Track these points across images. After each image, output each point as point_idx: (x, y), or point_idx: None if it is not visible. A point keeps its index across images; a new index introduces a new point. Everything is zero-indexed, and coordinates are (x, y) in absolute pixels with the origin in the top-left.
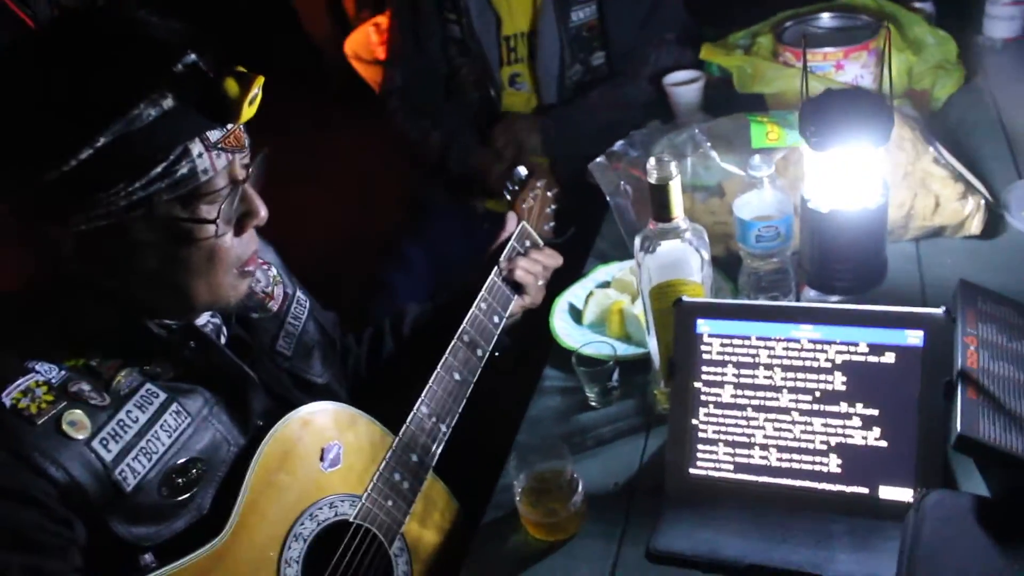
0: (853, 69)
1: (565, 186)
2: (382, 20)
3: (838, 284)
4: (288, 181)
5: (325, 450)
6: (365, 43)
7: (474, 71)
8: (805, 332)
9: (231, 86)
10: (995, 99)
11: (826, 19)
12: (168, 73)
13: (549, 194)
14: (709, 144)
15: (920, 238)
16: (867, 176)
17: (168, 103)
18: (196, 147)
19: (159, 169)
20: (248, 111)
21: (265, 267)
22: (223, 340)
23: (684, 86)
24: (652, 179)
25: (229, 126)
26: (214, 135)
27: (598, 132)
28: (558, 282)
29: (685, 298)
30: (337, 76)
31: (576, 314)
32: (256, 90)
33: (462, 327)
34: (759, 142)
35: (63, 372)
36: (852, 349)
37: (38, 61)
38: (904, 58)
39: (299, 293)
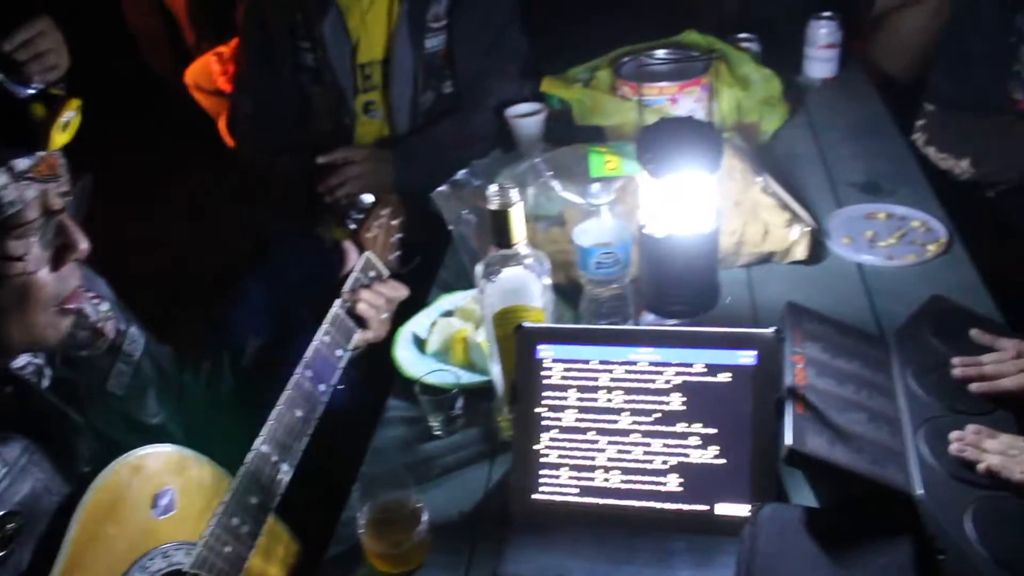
0: (687, 103)
1: (410, 216)
2: (224, 50)
3: (674, 308)
4: (123, 212)
5: (157, 496)
6: (206, 72)
7: (327, 99)
8: (644, 355)
9: (38, 109)
10: (816, 133)
11: (661, 55)
12: None
13: (394, 223)
14: (550, 174)
15: (751, 264)
16: (700, 203)
17: None
18: (1, 177)
19: None
20: (60, 137)
21: (95, 301)
22: (45, 382)
23: (526, 118)
24: (493, 205)
25: (40, 153)
26: (22, 163)
27: (446, 164)
28: (402, 312)
29: (526, 324)
30: (177, 105)
31: (420, 343)
32: (69, 114)
33: (304, 360)
34: (598, 171)
35: None
36: (689, 370)
37: None
38: (733, 93)
39: (133, 328)
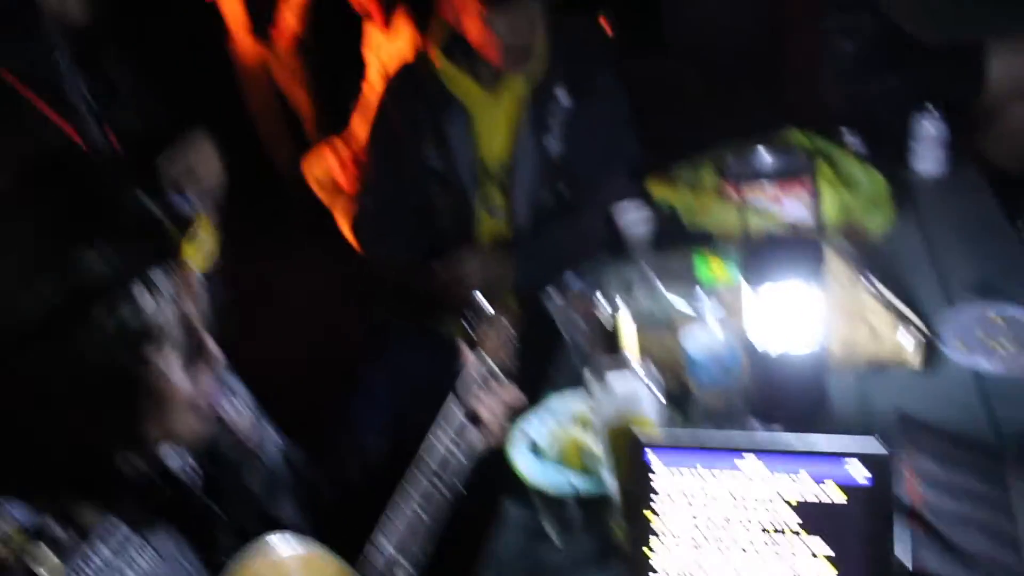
0: (792, 205)
1: (524, 317)
2: (341, 146)
3: (783, 418)
4: (246, 304)
5: None
6: (323, 165)
7: (450, 200)
8: (753, 464)
9: (173, 231)
10: (925, 232)
11: (765, 156)
12: (113, 220)
13: (509, 326)
14: (657, 279)
15: (860, 370)
16: (806, 315)
17: (110, 249)
18: (140, 290)
19: (102, 313)
20: (193, 253)
21: (230, 400)
22: (190, 477)
23: (633, 221)
24: (601, 317)
25: (176, 266)
26: (160, 278)
27: (562, 264)
28: (518, 413)
29: (636, 431)
30: (296, 198)
31: (535, 447)
32: (201, 233)
33: (423, 461)
34: (704, 277)
35: (33, 514)
36: (799, 483)
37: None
38: (838, 193)
39: (267, 427)
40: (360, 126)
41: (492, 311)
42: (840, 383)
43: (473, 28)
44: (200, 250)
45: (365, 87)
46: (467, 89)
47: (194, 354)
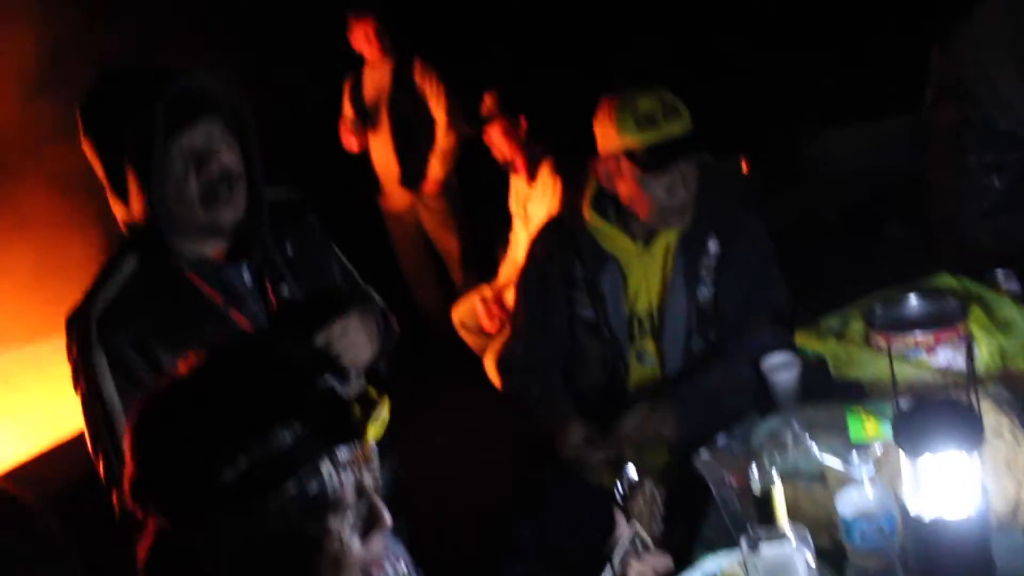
0: (945, 353)
1: (675, 475)
2: (488, 292)
3: None
4: (402, 456)
5: None
6: (472, 312)
7: (601, 351)
8: None
9: (356, 410)
10: None
11: (914, 303)
12: (301, 401)
13: (657, 493)
14: (808, 435)
15: None
16: (965, 480)
17: (299, 428)
18: (326, 466)
19: (291, 487)
20: (374, 432)
21: (394, 559)
22: None
23: (781, 370)
24: (754, 488)
25: (357, 445)
26: (343, 454)
27: (715, 413)
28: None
29: None
30: (443, 342)
31: None
32: (382, 411)
33: None
34: (857, 435)
35: None
36: None
37: (189, 393)
38: (995, 339)
39: None
40: (507, 273)
41: (640, 482)
42: (1009, 542)
43: (627, 189)
44: (379, 425)
45: (511, 236)
46: (620, 244)
47: (369, 521)
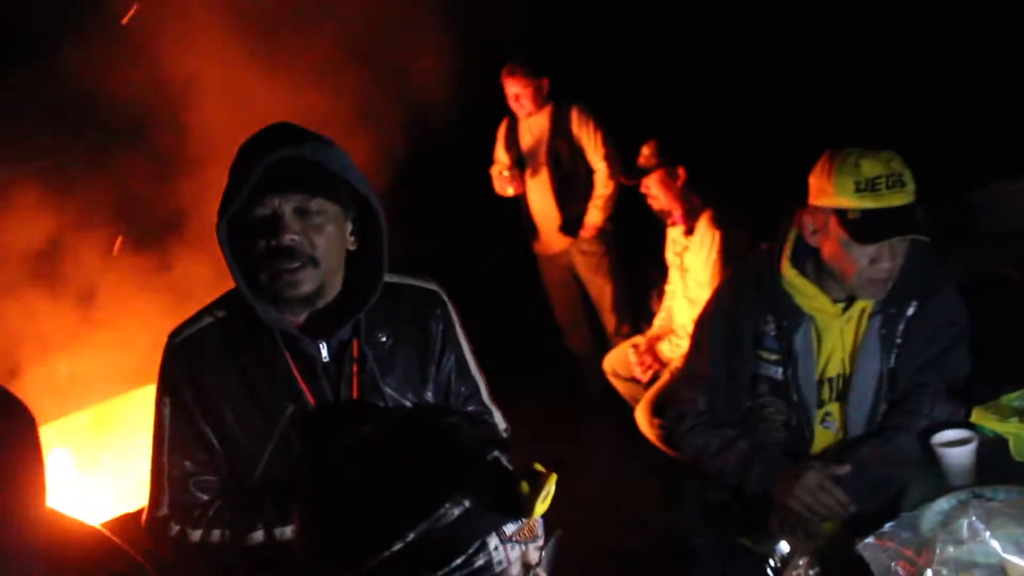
0: None
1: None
2: (639, 341)
3: None
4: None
5: None
6: (623, 361)
7: (786, 412)
8: None
9: (524, 487)
10: None
11: None
12: (471, 477)
13: (812, 573)
14: (988, 533)
15: None
16: None
17: (468, 503)
18: (493, 541)
19: (459, 561)
20: (541, 507)
21: None
22: None
23: (956, 447)
24: None
25: (523, 520)
26: (509, 529)
27: (871, 489)
28: None
29: None
30: (594, 386)
31: None
32: (549, 487)
33: None
34: None
35: None
36: None
37: (361, 464)
38: None
39: None
40: (660, 323)
41: (793, 560)
42: None
43: (831, 249)
44: (546, 501)
45: (666, 286)
46: (818, 304)
47: None
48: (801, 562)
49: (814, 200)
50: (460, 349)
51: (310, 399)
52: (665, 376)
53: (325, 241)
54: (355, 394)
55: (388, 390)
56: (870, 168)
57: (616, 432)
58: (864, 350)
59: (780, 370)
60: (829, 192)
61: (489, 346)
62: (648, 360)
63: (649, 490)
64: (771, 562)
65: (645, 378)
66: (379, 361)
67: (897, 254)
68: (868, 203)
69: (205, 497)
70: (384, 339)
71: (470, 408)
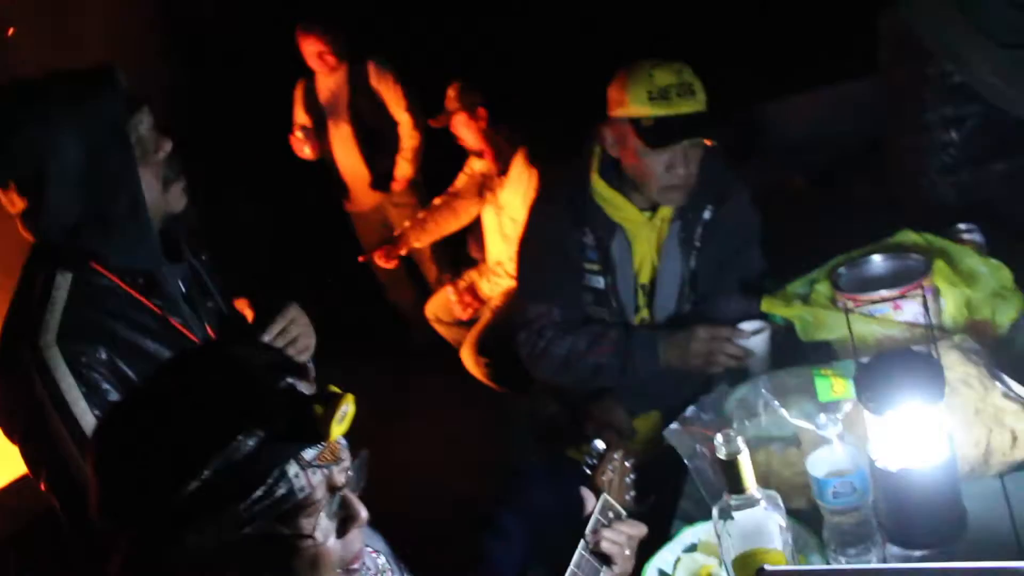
0: (911, 308)
1: (652, 447)
2: (460, 283)
3: (919, 540)
4: (377, 445)
5: None
6: (445, 305)
7: (606, 319)
8: None
9: (317, 410)
10: None
11: (878, 261)
12: (262, 407)
13: (627, 464)
14: (778, 403)
15: (1003, 472)
16: (931, 431)
17: (263, 433)
18: (292, 468)
19: (259, 492)
20: (338, 429)
21: (374, 555)
22: None
23: (751, 337)
24: (721, 455)
25: (322, 444)
26: (309, 454)
27: (675, 384)
28: (646, 545)
29: (767, 566)
30: (420, 336)
31: None
32: (345, 408)
33: None
34: (824, 396)
35: None
36: None
37: (148, 404)
38: (960, 291)
39: None
40: (479, 264)
41: (608, 453)
42: (981, 488)
43: (629, 159)
44: (345, 421)
45: (481, 227)
46: (627, 214)
47: (344, 518)
48: (616, 455)
49: (612, 111)
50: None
51: (192, 337)
52: (486, 314)
53: None
54: (207, 322)
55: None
56: (662, 78)
57: (445, 378)
58: (666, 254)
59: (602, 279)
60: (625, 102)
61: (312, 313)
62: (468, 299)
63: (481, 428)
64: (587, 459)
65: (466, 316)
66: (210, 277)
67: (691, 160)
68: (660, 110)
69: None
70: (204, 257)
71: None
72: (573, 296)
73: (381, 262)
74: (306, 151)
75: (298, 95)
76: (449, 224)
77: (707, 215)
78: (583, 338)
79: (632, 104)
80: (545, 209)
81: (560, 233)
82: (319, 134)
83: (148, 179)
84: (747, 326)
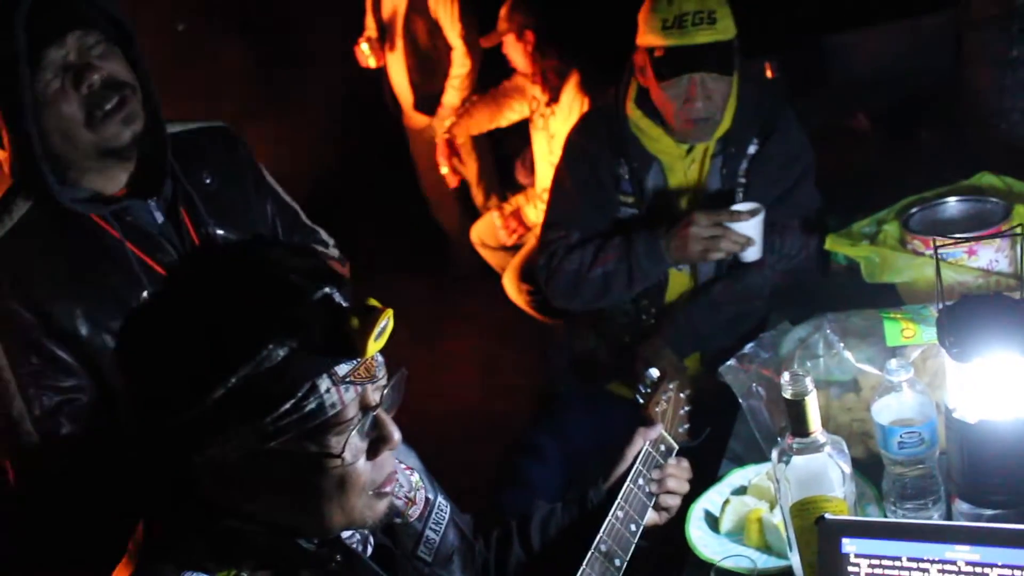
0: (987, 254)
1: (704, 386)
2: (506, 206)
3: (993, 498)
4: (414, 365)
5: None
6: (490, 229)
7: None
8: (962, 554)
9: (354, 322)
10: None
11: (953, 203)
12: (295, 315)
13: (682, 396)
14: (842, 345)
15: None
16: (1016, 382)
17: (294, 343)
18: (324, 383)
19: (287, 406)
20: (375, 345)
21: (408, 472)
22: (369, 550)
23: (750, 219)
24: (787, 394)
25: (357, 360)
26: (342, 369)
27: (726, 324)
28: (694, 486)
29: (828, 516)
30: (463, 260)
31: (712, 521)
32: (384, 323)
33: (599, 536)
34: (894, 340)
35: None
36: (1017, 575)
37: (175, 307)
38: None
39: (439, 499)
40: (527, 190)
41: (662, 384)
42: None
43: (653, 91)
44: (382, 337)
45: (531, 153)
46: (662, 145)
47: (376, 439)
48: (671, 386)
49: (638, 40)
50: (265, 178)
51: (161, 272)
52: (531, 241)
53: (126, 70)
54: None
55: (221, 232)
56: (682, 3)
57: (488, 303)
58: (707, 191)
59: (636, 212)
60: (644, 30)
61: (358, 228)
62: (513, 224)
63: (519, 355)
64: (640, 388)
65: (511, 242)
66: (207, 203)
67: (713, 94)
68: (673, 40)
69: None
70: (208, 180)
71: (296, 237)
72: (595, 224)
73: (443, 161)
74: (371, 62)
75: (369, 4)
76: (484, 118)
77: (752, 149)
78: (589, 250)
79: (648, 33)
80: (581, 138)
81: (595, 163)
82: (380, 48)
83: (69, 112)
84: (743, 207)
